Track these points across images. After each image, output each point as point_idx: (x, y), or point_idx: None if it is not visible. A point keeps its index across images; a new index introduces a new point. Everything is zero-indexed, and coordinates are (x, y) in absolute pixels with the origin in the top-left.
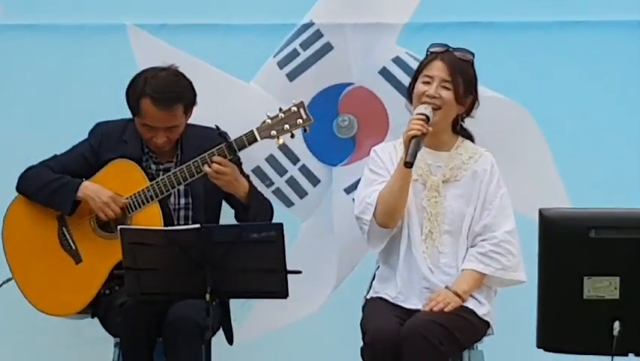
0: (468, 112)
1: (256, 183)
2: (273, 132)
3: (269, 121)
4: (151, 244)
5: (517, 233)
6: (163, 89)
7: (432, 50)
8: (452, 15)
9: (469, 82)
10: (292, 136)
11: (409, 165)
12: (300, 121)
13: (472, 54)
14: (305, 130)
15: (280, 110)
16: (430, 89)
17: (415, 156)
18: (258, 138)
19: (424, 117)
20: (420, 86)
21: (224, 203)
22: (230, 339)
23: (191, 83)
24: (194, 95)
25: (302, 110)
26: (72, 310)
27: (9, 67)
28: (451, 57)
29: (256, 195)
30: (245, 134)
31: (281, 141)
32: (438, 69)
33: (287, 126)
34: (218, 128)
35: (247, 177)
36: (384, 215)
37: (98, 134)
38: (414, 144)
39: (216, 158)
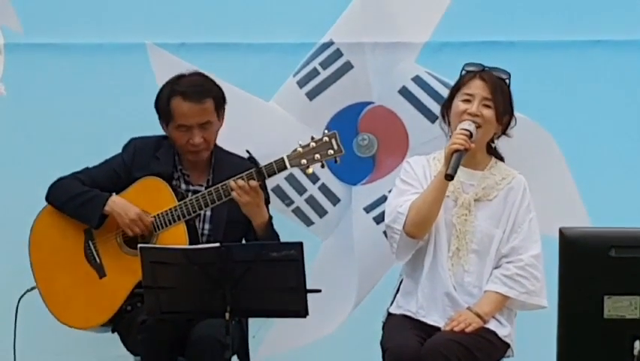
0: (504, 131)
1: (276, 202)
2: (304, 161)
3: (300, 150)
4: (171, 262)
5: (543, 258)
6: (191, 85)
7: (469, 68)
8: (472, 34)
9: (507, 101)
10: (322, 166)
11: (449, 177)
12: (331, 152)
13: (508, 73)
14: (335, 161)
15: (312, 138)
16: (472, 107)
17: (456, 170)
18: (288, 166)
19: (467, 133)
20: (460, 104)
21: None
22: None
23: (216, 82)
24: (223, 92)
25: (334, 141)
26: (93, 324)
27: (30, 85)
28: (491, 76)
29: (271, 233)
30: (275, 161)
31: (310, 171)
32: (478, 87)
33: (317, 156)
34: (249, 153)
35: (270, 218)
36: (415, 225)
37: (131, 150)
38: (456, 157)
39: (248, 175)
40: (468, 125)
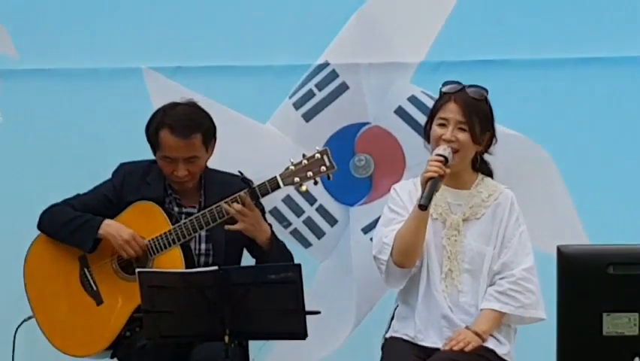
0: (486, 149)
1: (274, 224)
2: (297, 179)
3: (292, 168)
4: (169, 286)
5: (537, 270)
6: (181, 118)
7: (445, 90)
8: (467, 53)
9: (484, 120)
10: (315, 183)
11: (423, 207)
12: (323, 168)
13: (486, 90)
14: (328, 177)
15: (304, 156)
16: (446, 133)
17: (430, 199)
18: (281, 185)
19: (442, 159)
20: (436, 129)
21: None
22: None
23: (209, 115)
24: (214, 126)
25: (326, 158)
26: (92, 351)
27: (26, 111)
28: (465, 97)
29: (277, 244)
30: (268, 181)
31: (304, 188)
32: (452, 111)
33: (310, 173)
34: (241, 174)
35: (269, 226)
36: (401, 255)
37: (120, 174)
38: (430, 185)
39: (242, 196)
40: (443, 150)
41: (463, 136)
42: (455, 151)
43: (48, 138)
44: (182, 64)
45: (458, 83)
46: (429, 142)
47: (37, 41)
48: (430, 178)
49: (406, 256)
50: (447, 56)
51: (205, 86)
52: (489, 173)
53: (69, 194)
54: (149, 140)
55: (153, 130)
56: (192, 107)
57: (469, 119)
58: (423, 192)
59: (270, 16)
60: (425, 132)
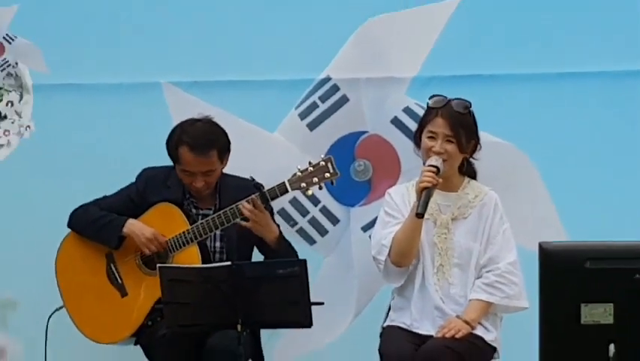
0: (471, 154)
1: (281, 224)
2: (303, 184)
3: (299, 174)
4: (187, 280)
5: (520, 264)
6: (199, 137)
7: (432, 104)
8: (456, 69)
9: (469, 131)
10: (320, 188)
11: (420, 216)
12: (327, 175)
13: (469, 103)
14: (332, 183)
15: (310, 163)
16: (436, 146)
17: (426, 207)
18: (289, 189)
19: (434, 169)
20: (426, 142)
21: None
22: None
23: (224, 130)
24: (228, 141)
25: (330, 165)
26: (117, 339)
27: (55, 122)
28: (451, 111)
29: (284, 243)
30: (277, 186)
31: (309, 192)
32: (440, 126)
33: (315, 179)
34: (253, 179)
35: (277, 226)
36: (398, 256)
37: (143, 178)
38: (425, 195)
39: (254, 199)
40: (435, 160)
41: (451, 147)
42: (444, 160)
43: (75, 147)
44: (198, 79)
45: (444, 97)
46: (419, 148)
47: (66, 58)
48: (425, 188)
49: (403, 256)
50: (438, 71)
51: (219, 99)
52: (473, 173)
53: (95, 198)
54: (169, 154)
55: (173, 146)
56: (208, 124)
57: (456, 132)
58: (419, 202)
59: (278, 35)
60: (415, 140)
